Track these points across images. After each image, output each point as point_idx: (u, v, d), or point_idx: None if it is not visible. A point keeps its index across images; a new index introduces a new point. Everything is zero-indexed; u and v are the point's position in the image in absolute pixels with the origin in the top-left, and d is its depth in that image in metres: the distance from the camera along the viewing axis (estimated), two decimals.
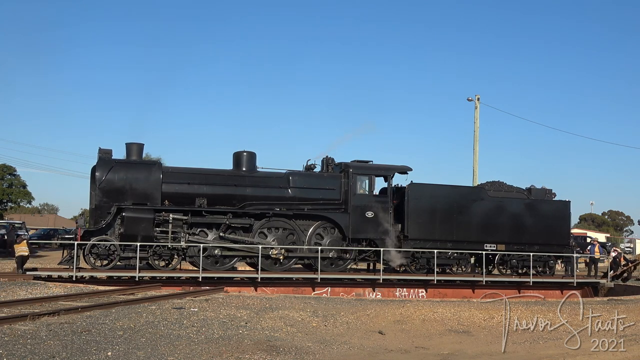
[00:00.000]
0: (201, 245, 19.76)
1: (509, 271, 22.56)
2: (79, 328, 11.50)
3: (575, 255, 23.51)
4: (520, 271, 22.43)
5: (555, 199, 23.70)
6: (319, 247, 20.66)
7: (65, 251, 20.07)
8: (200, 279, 19.61)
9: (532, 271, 22.00)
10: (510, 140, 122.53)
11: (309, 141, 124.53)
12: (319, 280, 20.41)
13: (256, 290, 19.95)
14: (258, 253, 20.06)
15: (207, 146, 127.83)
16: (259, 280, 20.17)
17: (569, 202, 23.79)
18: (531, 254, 22.11)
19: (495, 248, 22.14)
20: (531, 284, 22.03)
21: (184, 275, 20.17)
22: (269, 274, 20.50)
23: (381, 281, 20.93)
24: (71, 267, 19.26)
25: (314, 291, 20.45)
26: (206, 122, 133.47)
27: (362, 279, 21.83)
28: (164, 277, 19.77)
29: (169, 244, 19.61)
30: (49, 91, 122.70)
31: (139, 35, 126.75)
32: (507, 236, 22.31)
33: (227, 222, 20.15)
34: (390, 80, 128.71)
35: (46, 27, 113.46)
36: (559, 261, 24.45)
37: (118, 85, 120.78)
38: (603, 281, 23.59)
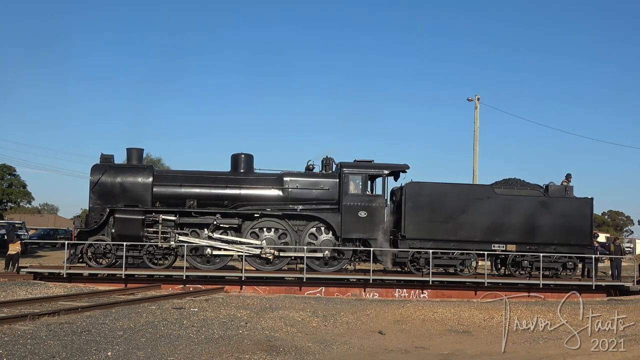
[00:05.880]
0: (185, 245, 20.26)
1: (522, 272, 21.55)
2: (79, 328, 11.52)
3: (594, 256, 21.83)
4: (545, 272, 21.18)
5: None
6: (305, 247, 20.74)
7: (68, 252, 20.69)
8: (184, 277, 20.14)
9: (542, 272, 20.86)
10: (510, 140, 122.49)
11: (311, 142, 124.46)
12: (304, 280, 20.37)
13: (241, 290, 20.21)
14: (243, 253, 20.54)
15: (210, 147, 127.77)
16: (243, 279, 20.45)
17: (592, 199, 22.07)
18: (541, 254, 21.01)
19: (504, 248, 21.33)
20: (541, 286, 20.79)
21: (172, 273, 20.48)
22: (255, 274, 20.74)
23: (371, 281, 20.58)
24: (72, 265, 20.30)
25: (300, 290, 20.41)
26: (208, 123, 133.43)
27: (354, 279, 21.55)
28: (162, 276, 20.46)
29: (159, 244, 20.22)
30: (49, 90, 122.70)
31: (140, 34, 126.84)
32: (518, 236, 21.36)
33: (215, 223, 20.46)
34: (390, 80, 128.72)
35: (46, 25, 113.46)
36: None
37: (119, 86, 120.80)
38: (629, 284, 22.07)
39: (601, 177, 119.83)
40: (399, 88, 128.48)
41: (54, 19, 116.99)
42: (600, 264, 25.65)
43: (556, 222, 21.50)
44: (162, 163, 49.46)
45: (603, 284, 22.13)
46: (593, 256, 21.68)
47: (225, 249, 20.73)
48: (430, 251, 20.68)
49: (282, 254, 20.94)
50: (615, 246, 25.08)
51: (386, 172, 21.67)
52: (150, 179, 20.88)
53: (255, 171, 21.91)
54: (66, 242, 20.61)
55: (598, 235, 30.99)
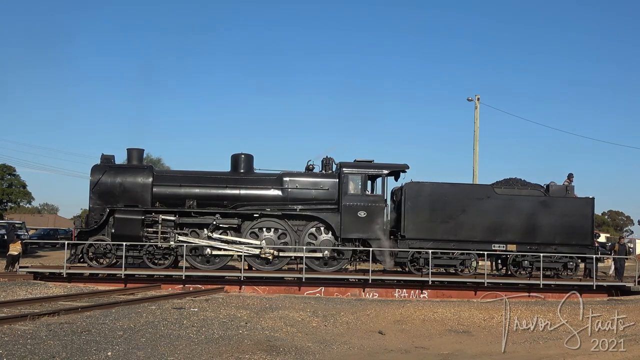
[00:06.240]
0: (185, 245, 20.34)
1: (523, 272, 21.43)
2: (79, 328, 11.52)
3: (595, 256, 21.59)
4: (546, 272, 21.02)
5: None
6: (304, 247, 20.79)
7: (68, 252, 20.83)
8: (183, 277, 20.22)
9: (542, 273, 20.68)
10: (510, 140, 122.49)
11: (311, 142, 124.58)
12: (303, 280, 20.41)
13: (240, 289, 20.28)
14: (242, 253, 20.62)
15: (210, 147, 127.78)
16: (242, 279, 20.51)
17: (593, 199, 21.87)
18: (541, 254, 20.89)
19: (504, 248, 21.23)
20: (541, 286, 20.50)
21: (172, 273, 20.54)
22: (254, 274, 20.80)
23: (370, 281, 20.53)
24: (72, 265, 20.50)
25: (299, 290, 20.43)
26: (208, 123, 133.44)
27: (353, 279, 21.52)
28: (162, 276, 20.54)
29: (159, 244, 20.35)
30: (49, 90, 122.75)
31: (140, 34, 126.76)
32: (519, 235, 21.25)
33: (215, 223, 20.55)
34: (390, 80, 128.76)
35: (47, 25, 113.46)
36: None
37: (119, 86, 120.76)
38: (630, 284, 21.87)
39: (601, 177, 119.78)
40: (399, 88, 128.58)
41: (54, 19, 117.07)
42: (600, 264, 25.46)
43: (557, 222, 21.38)
44: (162, 163, 49.46)
45: (604, 284, 22.03)
46: (594, 256, 21.53)
47: (224, 249, 20.79)
48: (430, 251, 20.63)
49: (281, 254, 20.97)
50: (620, 246, 24.77)
51: (385, 172, 21.64)
52: (150, 179, 20.98)
53: (255, 171, 21.96)
54: (66, 242, 20.82)
55: (599, 235, 30.66)
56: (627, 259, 24.58)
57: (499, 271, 22.94)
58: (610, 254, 25.93)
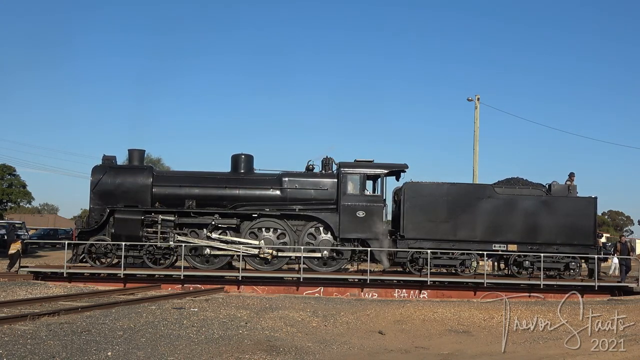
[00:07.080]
0: (184, 245, 20.38)
1: (524, 272, 21.34)
2: (79, 328, 11.52)
3: (597, 256, 21.41)
4: (549, 273, 20.96)
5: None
6: (302, 247, 20.81)
7: (70, 252, 20.92)
8: (182, 277, 20.27)
9: (542, 273, 20.59)
10: (510, 140, 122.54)
11: (311, 142, 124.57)
12: (302, 280, 20.45)
13: (239, 289, 20.33)
14: (240, 252, 20.70)
15: (210, 147, 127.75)
16: (240, 279, 20.55)
17: (595, 198, 21.67)
18: (542, 254, 20.76)
19: (505, 248, 21.16)
20: (542, 286, 20.34)
21: (171, 273, 20.58)
22: (253, 273, 20.85)
23: (368, 281, 20.51)
24: (73, 265, 20.69)
25: (298, 290, 20.45)
26: (208, 123, 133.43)
27: (352, 278, 21.54)
28: (162, 276, 20.61)
29: (158, 244, 20.44)
30: (50, 90, 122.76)
31: (140, 34, 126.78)
32: (519, 235, 21.15)
33: (214, 223, 20.60)
34: (390, 80, 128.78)
35: (48, 25, 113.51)
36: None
37: (120, 86, 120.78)
38: (633, 285, 21.65)
39: (602, 177, 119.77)
40: (399, 88, 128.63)
41: (54, 19, 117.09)
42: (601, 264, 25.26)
43: (559, 221, 21.24)
44: (162, 163, 49.61)
45: (606, 284, 21.91)
46: (596, 256, 21.36)
47: (223, 249, 20.80)
48: (429, 251, 20.58)
49: (280, 253, 20.99)
50: (622, 245, 24.26)
51: (384, 171, 21.63)
52: (150, 180, 21.08)
53: (255, 171, 21.98)
54: (66, 241, 20.96)
55: (602, 235, 30.21)
56: (631, 258, 24.35)
57: (500, 271, 22.88)
58: (613, 254, 25.75)
